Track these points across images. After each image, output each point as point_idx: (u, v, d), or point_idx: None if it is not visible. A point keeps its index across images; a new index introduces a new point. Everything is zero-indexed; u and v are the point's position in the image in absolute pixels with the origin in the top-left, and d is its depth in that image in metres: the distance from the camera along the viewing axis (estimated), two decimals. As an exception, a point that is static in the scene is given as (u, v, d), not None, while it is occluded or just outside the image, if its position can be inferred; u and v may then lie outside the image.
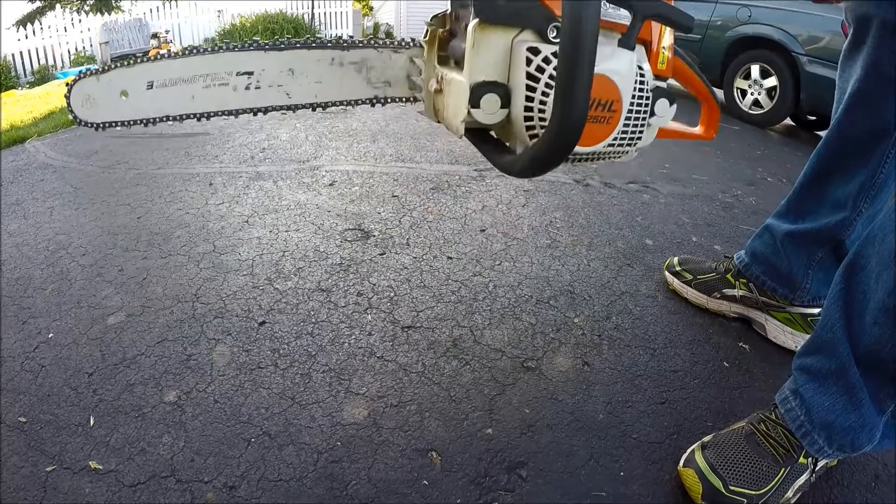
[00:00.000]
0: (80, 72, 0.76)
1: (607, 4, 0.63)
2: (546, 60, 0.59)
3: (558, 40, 0.52)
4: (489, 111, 0.62)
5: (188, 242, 1.61)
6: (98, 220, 1.82)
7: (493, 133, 0.70)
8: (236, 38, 13.35)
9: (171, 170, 2.26)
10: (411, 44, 0.76)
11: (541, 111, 0.60)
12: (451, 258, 1.50)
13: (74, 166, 2.49)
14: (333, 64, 0.76)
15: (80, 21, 12.23)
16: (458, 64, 0.65)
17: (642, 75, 0.65)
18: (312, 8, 14.38)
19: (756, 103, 4.96)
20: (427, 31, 0.72)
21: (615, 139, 0.67)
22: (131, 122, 0.78)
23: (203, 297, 1.34)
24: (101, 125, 0.78)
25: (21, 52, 11.29)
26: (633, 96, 0.65)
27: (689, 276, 1.38)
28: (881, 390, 0.80)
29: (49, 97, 5.77)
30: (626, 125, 0.66)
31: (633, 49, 0.63)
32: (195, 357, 1.15)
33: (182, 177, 2.16)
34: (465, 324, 1.24)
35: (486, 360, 1.14)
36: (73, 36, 11.96)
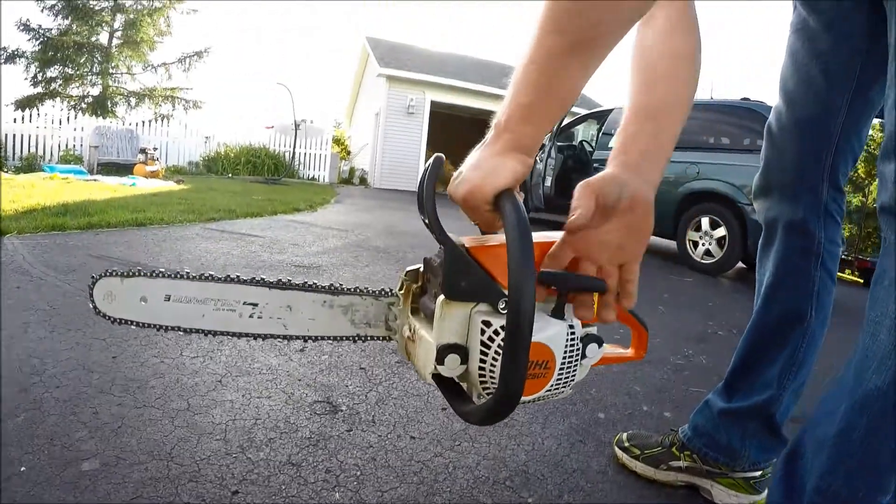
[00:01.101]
0: (107, 270, 0.83)
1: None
2: (496, 332, 0.71)
3: (506, 311, 0.65)
4: (451, 367, 0.73)
5: (163, 395, 1.65)
6: (73, 350, 1.86)
7: (454, 378, 0.79)
8: (220, 166, 13.78)
9: (149, 312, 2.32)
10: (389, 293, 0.87)
11: (492, 371, 0.71)
12: (413, 438, 1.58)
13: (52, 281, 2.54)
14: (325, 305, 0.85)
15: (74, 118, 12.57)
16: (428, 318, 0.76)
17: (572, 332, 0.77)
18: (294, 147, 14.92)
19: (707, 253, 5.25)
20: (402, 283, 0.83)
21: (552, 386, 0.77)
22: (145, 325, 0.84)
23: (177, 458, 1.36)
24: (118, 320, 0.84)
25: (14, 135, 11.63)
26: (565, 352, 0.76)
27: (637, 451, 1.49)
28: None
29: (33, 189, 5.83)
30: (560, 374, 0.77)
31: (563, 318, 0.75)
32: (170, 522, 1.17)
33: (158, 321, 2.22)
34: (427, 506, 1.31)
35: (445, 546, 1.20)
36: (65, 132, 12.33)
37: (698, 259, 5.31)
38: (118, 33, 21.53)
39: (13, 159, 11.49)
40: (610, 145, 6.72)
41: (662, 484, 1.44)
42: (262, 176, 13.61)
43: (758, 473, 1.34)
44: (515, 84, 0.67)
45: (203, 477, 1.31)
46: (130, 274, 0.82)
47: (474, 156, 0.70)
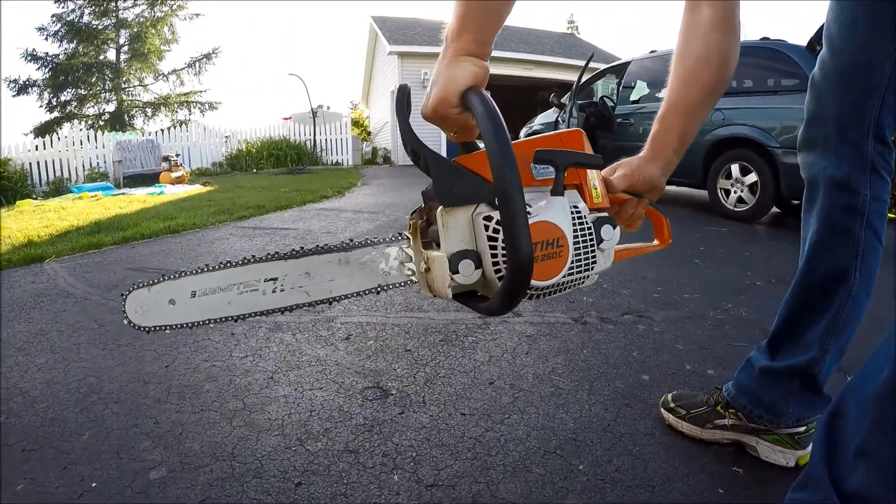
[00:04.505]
0: (134, 284, 0.87)
1: (537, 166, 0.78)
2: (499, 223, 0.71)
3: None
4: (466, 273, 0.74)
5: (218, 398, 1.71)
6: (126, 364, 1.94)
7: (478, 292, 0.81)
8: (243, 163, 13.89)
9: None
10: (400, 237, 0.89)
11: (504, 263, 0.73)
12: (464, 415, 1.63)
13: (96, 299, 2.63)
14: (341, 263, 0.87)
15: (94, 137, 12.79)
16: (439, 245, 0.78)
17: (578, 212, 0.79)
18: (314, 135, 14.96)
19: (740, 200, 5.16)
20: (409, 224, 0.85)
21: (571, 269, 0.78)
22: (178, 326, 0.87)
23: (240, 457, 1.42)
24: (153, 329, 0.87)
25: (38, 163, 11.91)
26: (575, 230, 0.78)
27: (683, 411, 1.51)
28: None
29: (65, 212, 5.96)
30: (576, 255, 0.79)
31: (562, 195, 0.77)
32: (240, 518, 1.23)
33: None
34: (482, 479, 1.35)
35: (504, 515, 1.25)
36: (87, 151, 12.58)
37: (731, 207, 5.23)
38: (125, 48, 21.86)
39: (40, 185, 11.75)
40: (632, 98, 6.64)
41: (709, 442, 1.47)
42: (285, 167, 13.72)
43: (802, 429, 1.36)
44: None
45: (266, 472, 1.37)
46: (155, 281, 0.86)
47: (432, 76, 0.78)
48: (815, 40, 4.61)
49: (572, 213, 0.78)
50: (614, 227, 0.84)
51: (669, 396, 1.59)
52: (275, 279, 0.85)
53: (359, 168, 14.57)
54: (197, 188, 9.17)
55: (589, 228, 0.80)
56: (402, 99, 0.76)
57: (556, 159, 0.76)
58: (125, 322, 0.87)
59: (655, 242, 1.02)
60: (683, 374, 1.86)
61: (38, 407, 1.66)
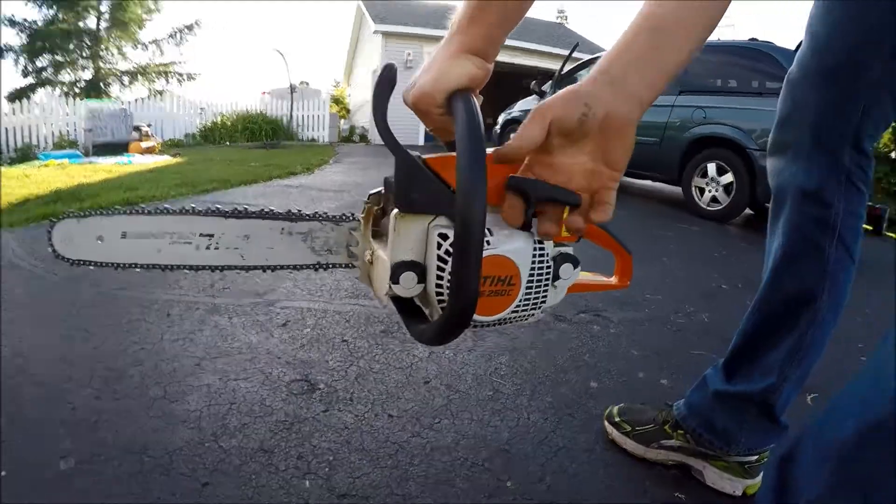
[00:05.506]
0: (65, 213, 0.82)
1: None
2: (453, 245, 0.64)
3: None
4: (406, 286, 0.67)
5: (140, 385, 1.61)
6: (56, 346, 1.84)
7: (414, 299, 0.74)
8: (217, 136, 13.69)
9: (132, 292, 2.30)
10: (350, 218, 0.83)
11: (449, 288, 0.65)
12: (391, 416, 1.50)
13: (40, 273, 2.53)
14: (283, 233, 0.82)
15: (66, 104, 12.50)
16: (387, 239, 0.71)
17: (542, 248, 0.70)
18: (291, 110, 14.80)
19: (714, 200, 5.12)
20: (364, 207, 0.78)
21: (518, 307, 0.71)
22: (103, 264, 0.83)
23: (151, 450, 1.33)
24: (77, 262, 0.83)
25: (7, 129, 11.63)
26: (533, 268, 0.70)
27: (628, 427, 1.39)
28: None
29: (27, 179, 5.77)
30: (527, 293, 0.71)
31: (529, 229, 0.68)
32: (140, 519, 1.13)
33: (141, 303, 2.20)
34: (399, 492, 1.23)
35: (416, 535, 1.13)
36: (59, 118, 12.27)
37: (705, 206, 5.18)
38: (105, 16, 21.19)
39: (7, 151, 11.46)
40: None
41: (653, 462, 1.35)
42: (260, 141, 13.47)
43: (753, 458, 1.24)
44: None
45: (174, 469, 1.27)
46: (85, 214, 0.81)
47: (427, 60, 0.68)
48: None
49: (534, 249, 0.70)
50: (575, 267, 0.76)
51: (615, 409, 1.46)
52: (211, 235, 0.81)
53: (335, 145, 14.27)
54: (166, 159, 8.94)
55: (548, 267, 0.72)
56: (384, 80, 0.65)
57: (529, 191, 0.66)
58: (49, 251, 0.82)
59: (613, 279, 0.93)
60: (635, 382, 1.74)
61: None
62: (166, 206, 0.81)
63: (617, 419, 1.43)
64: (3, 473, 1.23)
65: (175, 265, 0.82)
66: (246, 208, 0.81)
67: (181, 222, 0.80)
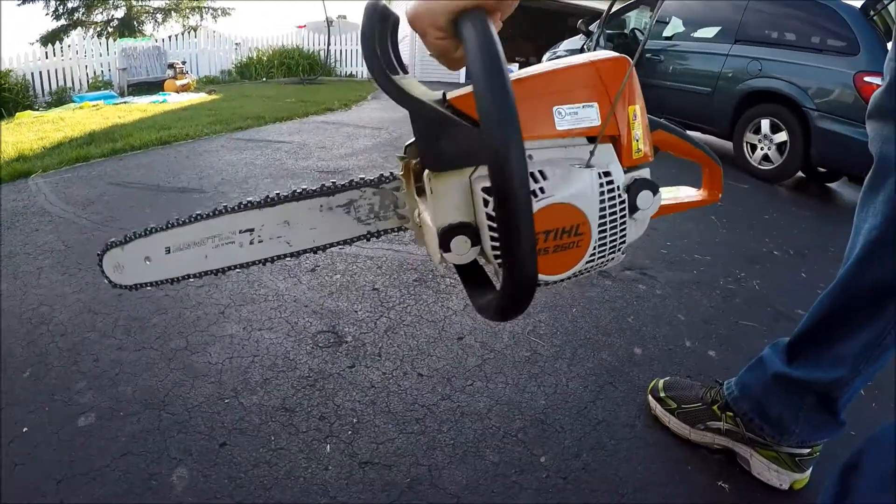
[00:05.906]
0: (107, 243, 0.82)
1: (561, 111, 0.58)
2: None
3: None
4: (460, 252, 0.59)
5: (163, 334, 1.56)
6: (82, 292, 1.81)
7: (477, 259, 0.65)
8: (253, 71, 13.53)
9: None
10: (391, 178, 0.75)
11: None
12: (421, 375, 1.41)
13: (70, 217, 2.52)
14: (323, 210, 0.77)
15: (100, 44, 12.40)
16: None
17: (610, 181, 0.60)
18: (328, 45, 14.58)
19: (766, 158, 4.87)
20: (401, 163, 0.69)
21: (593, 255, 0.62)
22: (158, 283, 0.82)
23: (170, 406, 1.28)
24: (133, 287, 0.83)
25: (40, 72, 11.51)
26: (603, 208, 0.60)
27: (674, 405, 1.28)
28: None
29: (62, 122, 5.78)
30: (601, 238, 0.62)
31: (591, 166, 0.59)
32: (156, 477, 1.09)
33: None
34: (425, 462, 1.15)
35: (439, 508, 1.06)
36: (93, 59, 12.13)
37: (756, 164, 4.91)
38: (136, -48, 20.81)
39: (43, 95, 11.36)
40: (664, 34, 6.25)
41: (696, 445, 1.25)
42: (296, 77, 13.24)
43: (805, 451, 1.13)
44: None
45: (192, 427, 1.24)
46: (127, 239, 0.81)
47: None
48: (870, 5, 4.23)
49: (601, 185, 0.59)
50: (655, 193, 0.65)
51: (661, 383, 1.35)
52: (251, 230, 0.78)
53: (373, 81, 14.05)
54: (201, 97, 8.83)
55: (622, 202, 0.62)
56: (371, 20, 0.57)
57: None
58: (106, 283, 0.83)
59: (702, 193, 0.83)
60: (681, 351, 1.63)
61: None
62: (199, 212, 0.78)
63: (662, 394, 1.32)
64: (25, 430, 1.21)
65: (226, 268, 0.80)
66: (278, 194, 0.77)
67: (218, 223, 0.78)
